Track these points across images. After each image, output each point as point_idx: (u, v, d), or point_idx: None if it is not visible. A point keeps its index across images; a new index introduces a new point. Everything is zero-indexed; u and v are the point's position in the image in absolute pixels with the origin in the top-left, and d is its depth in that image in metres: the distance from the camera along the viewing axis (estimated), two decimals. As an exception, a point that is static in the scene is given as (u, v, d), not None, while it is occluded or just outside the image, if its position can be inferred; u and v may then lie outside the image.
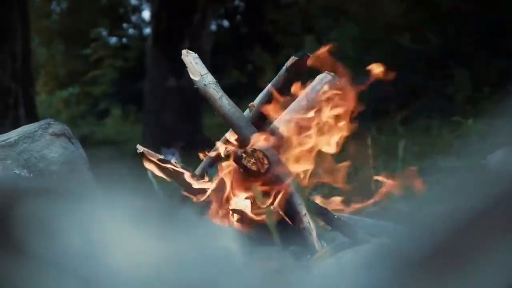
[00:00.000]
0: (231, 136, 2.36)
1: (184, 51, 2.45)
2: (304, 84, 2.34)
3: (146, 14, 14.30)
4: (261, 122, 2.34)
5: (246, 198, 2.23)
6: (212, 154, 2.41)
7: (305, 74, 2.31)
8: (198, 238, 0.86)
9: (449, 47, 8.68)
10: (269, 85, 2.33)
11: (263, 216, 2.16)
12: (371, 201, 2.33)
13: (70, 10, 14.79)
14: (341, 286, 0.97)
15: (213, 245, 0.87)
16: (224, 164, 2.30)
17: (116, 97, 12.95)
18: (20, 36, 8.89)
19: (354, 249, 1.81)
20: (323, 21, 9.91)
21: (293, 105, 2.36)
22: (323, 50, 2.26)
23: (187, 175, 2.35)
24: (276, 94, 2.27)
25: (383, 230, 2.17)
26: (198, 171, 2.45)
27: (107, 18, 14.10)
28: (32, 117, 8.32)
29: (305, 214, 2.13)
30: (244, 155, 2.18)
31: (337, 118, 2.30)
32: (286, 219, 2.18)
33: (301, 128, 2.29)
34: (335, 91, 2.29)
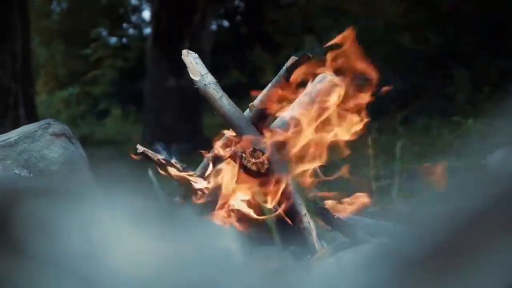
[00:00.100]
0: (231, 136, 2.36)
1: (184, 51, 2.45)
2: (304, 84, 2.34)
3: (146, 14, 14.31)
4: (261, 122, 2.34)
5: (246, 198, 2.23)
6: (212, 154, 2.41)
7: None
8: (198, 238, 0.86)
9: (449, 47, 8.68)
10: (269, 85, 2.33)
11: (263, 216, 2.16)
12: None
13: (70, 10, 14.78)
14: (341, 286, 0.97)
15: (213, 245, 0.87)
16: (224, 164, 2.30)
17: (116, 97, 12.95)
18: (20, 36, 8.89)
19: (354, 249, 1.81)
20: (323, 21, 9.91)
21: (293, 104, 2.37)
22: (349, 33, 2.26)
23: (187, 175, 2.35)
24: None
25: (383, 230, 2.17)
26: (198, 171, 2.45)
27: (107, 18, 14.09)
28: (32, 117, 8.32)
29: (305, 214, 2.13)
30: (244, 155, 2.18)
31: (339, 116, 2.30)
32: (286, 219, 2.18)
33: (302, 128, 2.29)
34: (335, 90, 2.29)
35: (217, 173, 2.33)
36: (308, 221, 2.12)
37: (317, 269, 1.78)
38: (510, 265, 0.81)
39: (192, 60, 2.41)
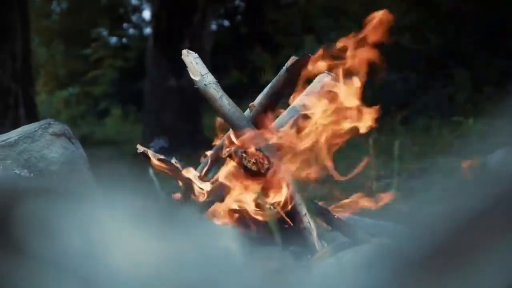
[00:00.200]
0: (231, 135, 2.36)
1: (184, 51, 2.45)
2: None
3: (147, 14, 14.31)
4: (262, 122, 2.34)
5: (246, 198, 2.23)
6: (212, 154, 2.41)
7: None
8: (198, 238, 0.86)
9: (449, 47, 8.68)
10: (269, 85, 2.33)
11: (264, 216, 2.16)
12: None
13: (70, 10, 14.78)
14: (341, 286, 0.97)
15: (213, 245, 0.87)
16: (224, 164, 2.30)
17: (116, 97, 12.95)
18: (20, 36, 8.89)
19: (354, 249, 1.82)
20: (323, 21, 9.91)
21: (293, 104, 2.37)
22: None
23: (188, 174, 2.35)
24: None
25: (383, 230, 2.17)
26: (198, 171, 2.45)
27: (107, 18, 14.10)
28: (32, 117, 8.32)
29: (305, 214, 2.13)
30: (244, 155, 2.18)
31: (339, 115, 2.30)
32: (286, 219, 2.18)
33: (301, 127, 2.29)
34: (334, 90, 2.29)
35: (217, 173, 2.33)
36: (308, 221, 2.12)
37: (317, 269, 1.78)
38: (510, 265, 0.81)
39: (192, 60, 2.41)
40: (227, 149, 2.26)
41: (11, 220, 0.78)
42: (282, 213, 2.19)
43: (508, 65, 7.64)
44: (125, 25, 14.79)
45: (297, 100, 2.38)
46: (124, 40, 14.45)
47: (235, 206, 2.22)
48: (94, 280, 0.75)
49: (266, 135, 2.26)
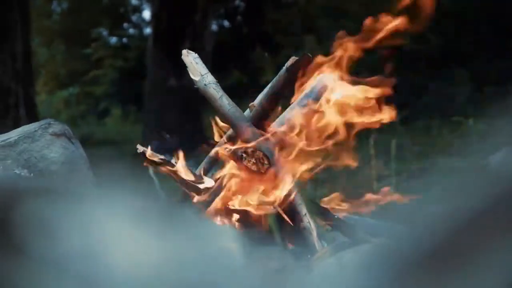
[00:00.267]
0: (232, 135, 2.36)
1: (184, 51, 2.45)
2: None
3: (147, 14, 14.32)
4: (262, 122, 2.34)
5: (246, 198, 2.23)
6: (212, 154, 2.41)
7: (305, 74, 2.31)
8: (198, 238, 0.86)
9: (449, 47, 8.68)
10: (269, 85, 2.33)
11: (264, 216, 2.16)
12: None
13: (71, 10, 14.79)
14: (341, 286, 0.97)
15: (213, 245, 0.87)
16: (224, 164, 2.30)
17: (116, 97, 12.96)
18: (20, 36, 8.89)
19: (354, 249, 1.81)
20: (323, 21, 9.91)
21: (293, 105, 2.37)
22: None
23: (187, 174, 2.35)
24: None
25: (383, 230, 2.17)
26: (198, 170, 2.45)
27: (108, 18, 14.10)
28: (33, 117, 8.32)
29: (305, 214, 2.13)
30: (244, 155, 2.18)
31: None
32: (287, 218, 2.18)
33: (301, 127, 2.29)
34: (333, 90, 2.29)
35: (217, 173, 2.33)
36: (308, 221, 2.12)
37: (317, 269, 1.78)
38: (510, 265, 0.81)
39: (192, 60, 2.41)
40: (227, 149, 2.26)
41: (11, 220, 0.78)
42: (282, 212, 2.19)
43: (508, 65, 7.64)
44: (125, 25, 14.80)
45: (297, 99, 2.38)
46: (125, 40, 14.46)
47: (235, 206, 2.22)
48: (94, 280, 0.75)
49: (266, 135, 2.26)
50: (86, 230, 0.79)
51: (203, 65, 2.41)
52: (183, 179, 2.35)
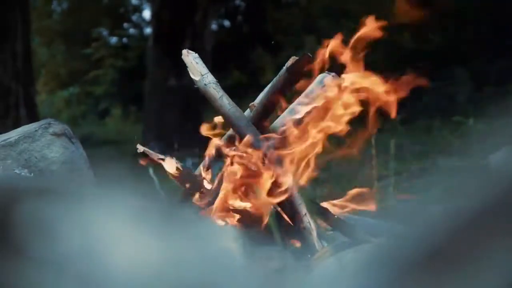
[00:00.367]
0: (232, 135, 2.36)
1: (184, 51, 2.45)
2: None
3: (147, 14, 14.32)
4: (262, 122, 2.34)
5: (247, 198, 2.23)
6: (212, 154, 2.41)
7: (306, 74, 2.31)
8: (198, 238, 0.86)
9: (450, 47, 8.68)
10: (269, 85, 2.33)
11: (263, 216, 2.16)
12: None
13: (71, 10, 14.79)
14: (341, 286, 0.97)
15: (213, 245, 0.87)
16: (224, 164, 2.30)
17: (116, 97, 12.96)
18: (21, 36, 8.90)
19: (354, 249, 1.81)
20: (323, 21, 9.90)
21: (293, 105, 2.37)
22: None
23: (188, 174, 2.35)
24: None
25: (383, 230, 2.17)
26: (198, 170, 2.45)
27: (108, 18, 14.10)
28: (33, 117, 8.33)
29: (305, 214, 2.13)
30: (244, 155, 2.18)
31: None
32: (287, 218, 2.18)
33: (301, 127, 2.29)
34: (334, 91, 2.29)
35: (217, 173, 2.33)
36: (308, 221, 2.12)
37: (317, 269, 1.78)
38: (510, 265, 0.81)
39: (192, 60, 2.41)
40: (228, 149, 2.26)
41: (11, 220, 0.78)
42: (282, 212, 2.19)
43: (508, 65, 7.64)
44: (125, 25, 14.80)
45: (298, 99, 2.38)
46: (125, 40, 14.46)
47: (235, 206, 2.22)
48: (94, 280, 0.75)
49: (266, 135, 2.26)
50: (86, 230, 0.79)
51: (203, 65, 2.41)
52: (183, 179, 2.35)
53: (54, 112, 12.62)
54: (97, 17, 14.01)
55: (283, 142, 2.27)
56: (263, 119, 2.34)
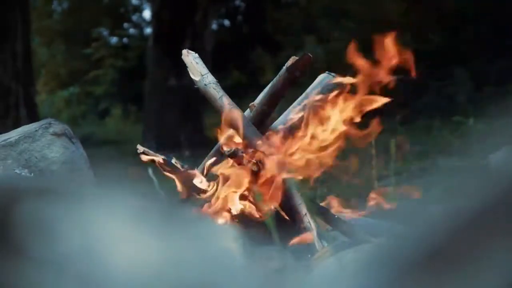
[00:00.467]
0: (232, 136, 2.36)
1: (184, 51, 2.45)
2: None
3: (147, 14, 14.32)
4: (262, 122, 2.34)
5: (247, 198, 2.23)
6: (213, 154, 2.41)
7: (306, 74, 2.31)
8: (198, 238, 0.86)
9: (450, 47, 8.68)
10: (269, 85, 2.33)
11: (264, 216, 2.16)
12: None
13: (71, 10, 14.79)
14: (341, 286, 0.97)
15: (213, 245, 0.87)
16: (225, 164, 2.30)
17: (116, 97, 12.96)
18: (21, 36, 8.90)
19: (354, 249, 1.81)
20: (323, 21, 9.91)
21: (293, 105, 2.37)
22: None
23: (188, 175, 2.35)
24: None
25: (383, 230, 2.17)
26: (199, 170, 2.45)
27: (108, 18, 14.10)
28: (33, 117, 8.33)
29: (305, 214, 2.13)
30: (244, 155, 2.18)
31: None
32: (287, 218, 2.18)
33: (302, 128, 2.29)
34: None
35: (217, 173, 2.33)
36: (308, 221, 2.12)
37: (317, 269, 1.78)
38: (510, 265, 0.81)
39: (192, 60, 2.41)
40: (228, 149, 2.26)
41: (11, 220, 0.78)
42: (282, 212, 2.19)
43: (508, 65, 7.64)
44: (125, 25, 14.80)
45: (298, 100, 2.38)
46: (125, 40, 14.46)
47: (235, 206, 2.22)
48: (94, 280, 0.75)
49: (266, 135, 2.26)
50: (86, 230, 0.79)
51: (203, 65, 2.42)
52: (182, 179, 2.35)
53: (54, 112, 12.62)
54: (97, 17, 14.01)
55: (284, 142, 2.27)
56: (263, 119, 2.34)
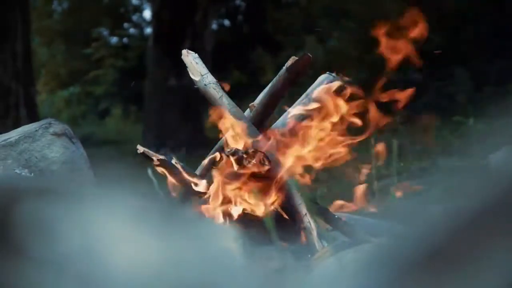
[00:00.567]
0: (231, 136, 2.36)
1: (184, 51, 2.45)
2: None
3: (147, 14, 14.32)
4: (262, 122, 2.34)
5: (247, 198, 2.23)
6: (213, 154, 2.41)
7: (306, 74, 2.31)
8: (198, 238, 0.86)
9: (450, 47, 8.68)
10: (269, 85, 2.33)
11: (262, 216, 2.16)
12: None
13: (71, 10, 14.78)
14: (341, 286, 0.97)
15: (213, 245, 0.87)
16: (224, 164, 2.29)
17: (117, 97, 12.96)
18: (21, 35, 8.89)
19: (354, 249, 1.81)
20: (324, 21, 9.90)
21: (294, 105, 2.37)
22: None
23: (188, 175, 2.35)
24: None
25: (383, 230, 2.17)
26: (199, 171, 2.45)
27: (108, 18, 14.10)
28: (33, 117, 8.32)
29: (305, 214, 2.13)
30: (245, 155, 2.18)
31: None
32: (287, 218, 2.18)
33: (302, 129, 2.29)
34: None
35: (217, 173, 2.33)
36: (308, 221, 2.12)
37: (317, 269, 1.78)
38: (510, 265, 0.81)
39: (192, 60, 2.41)
40: (228, 150, 2.25)
41: (11, 220, 0.78)
42: (282, 212, 2.19)
43: (508, 65, 7.64)
44: (125, 24, 14.80)
45: (298, 100, 2.38)
46: (125, 40, 14.45)
47: (235, 207, 2.22)
48: (94, 280, 0.75)
49: (266, 135, 2.26)
50: (86, 230, 0.79)
51: (203, 65, 2.41)
52: (182, 179, 2.35)
53: (54, 112, 12.61)
54: (97, 17, 14.00)
55: (284, 143, 2.27)
56: (263, 119, 2.34)
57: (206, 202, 2.28)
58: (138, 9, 14.97)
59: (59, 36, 14.40)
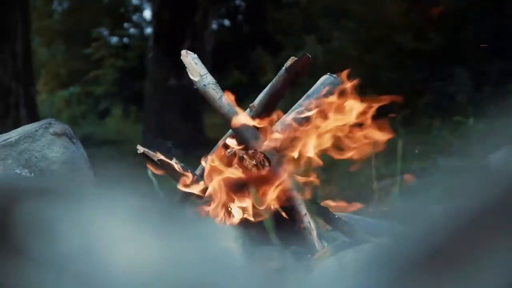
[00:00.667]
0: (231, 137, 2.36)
1: (183, 52, 2.45)
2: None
3: (147, 14, 14.32)
4: (262, 123, 2.34)
5: (247, 198, 2.22)
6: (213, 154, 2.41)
7: (305, 75, 2.31)
8: (198, 238, 0.86)
9: (450, 47, 8.68)
10: (269, 86, 2.33)
11: (261, 216, 2.16)
12: None
13: (71, 10, 14.79)
14: (341, 286, 0.97)
15: (213, 245, 0.87)
16: (224, 165, 2.29)
17: (117, 97, 12.96)
18: (21, 35, 8.89)
19: (354, 249, 1.81)
20: (323, 21, 9.90)
21: (294, 106, 2.37)
22: None
23: (187, 176, 2.35)
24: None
25: (383, 230, 2.17)
26: (198, 171, 2.45)
27: (108, 18, 14.10)
28: (33, 117, 8.32)
29: (305, 214, 2.13)
30: (245, 156, 2.18)
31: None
32: (286, 216, 2.18)
33: (302, 128, 2.29)
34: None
35: (217, 174, 2.33)
36: (308, 221, 2.12)
37: (317, 269, 1.78)
38: (510, 265, 0.81)
39: (191, 61, 2.41)
40: (228, 150, 2.25)
41: (11, 220, 0.78)
42: (282, 213, 2.19)
43: (508, 65, 7.64)
44: (126, 24, 14.80)
45: (299, 101, 2.38)
46: (125, 39, 14.46)
47: (235, 207, 2.22)
48: (94, 280, 0.75)
49: (266, 136, 2.26)
50: (86, 230, 0.79)
51: (202, 65, 2.41)
52: (182, 179, 2.35)
53: (54, 112, 12.61)
54: (98, 17, 14.00)
55: (284, 143, 2.27)
56: (263, 120, 2.34)
57: (206, 202, 2.28)
58: (138, 9, 14.98)
59: (59, 36, 14.39)
